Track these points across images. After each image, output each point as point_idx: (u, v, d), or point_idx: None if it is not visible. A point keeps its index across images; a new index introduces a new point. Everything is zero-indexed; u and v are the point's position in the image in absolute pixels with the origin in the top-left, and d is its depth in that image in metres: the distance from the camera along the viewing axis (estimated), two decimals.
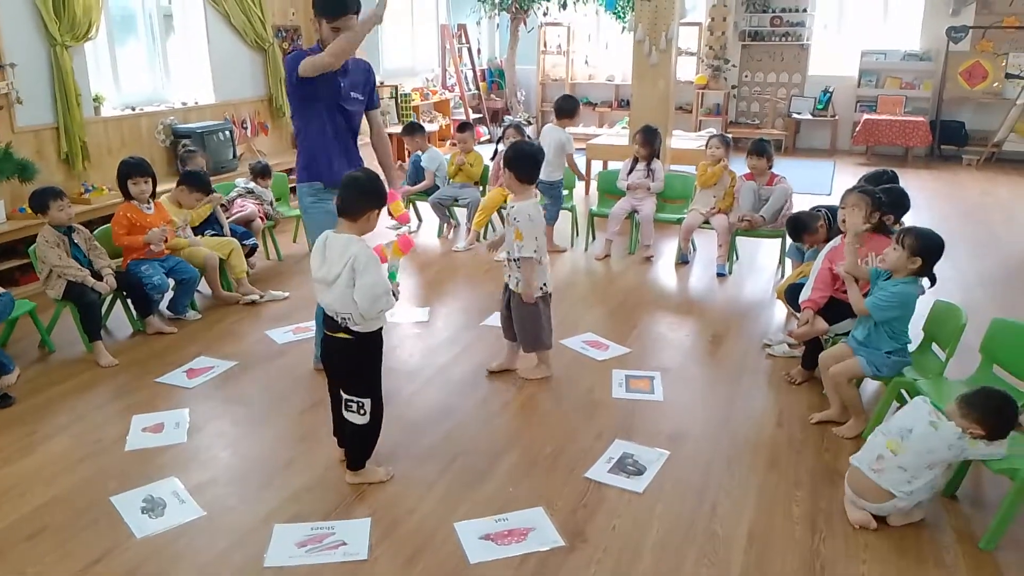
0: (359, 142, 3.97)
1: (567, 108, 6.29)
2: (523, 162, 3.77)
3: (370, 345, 2.97)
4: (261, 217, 6.00)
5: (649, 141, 6.20)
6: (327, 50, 3.53)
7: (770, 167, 5.70)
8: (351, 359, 2.99)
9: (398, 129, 10.10)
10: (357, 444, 3.13)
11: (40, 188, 4.44)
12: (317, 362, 4.12)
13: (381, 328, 2.99)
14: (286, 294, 5.35)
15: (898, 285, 3.36)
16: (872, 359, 3.45)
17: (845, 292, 3.64)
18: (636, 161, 6.29)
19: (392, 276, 3.02)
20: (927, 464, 2.74)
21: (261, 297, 5.24)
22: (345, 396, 3.01)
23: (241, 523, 2.89)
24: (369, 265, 2.79)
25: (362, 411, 3.00)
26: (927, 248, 3.31)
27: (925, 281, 3.47)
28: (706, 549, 2.76)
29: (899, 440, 2.79)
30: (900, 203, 4.09)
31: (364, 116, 3.96)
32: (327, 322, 2.97)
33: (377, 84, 3.97)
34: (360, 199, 2.88)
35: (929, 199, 8.51)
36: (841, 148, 11.47)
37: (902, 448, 2.77)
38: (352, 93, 3.78)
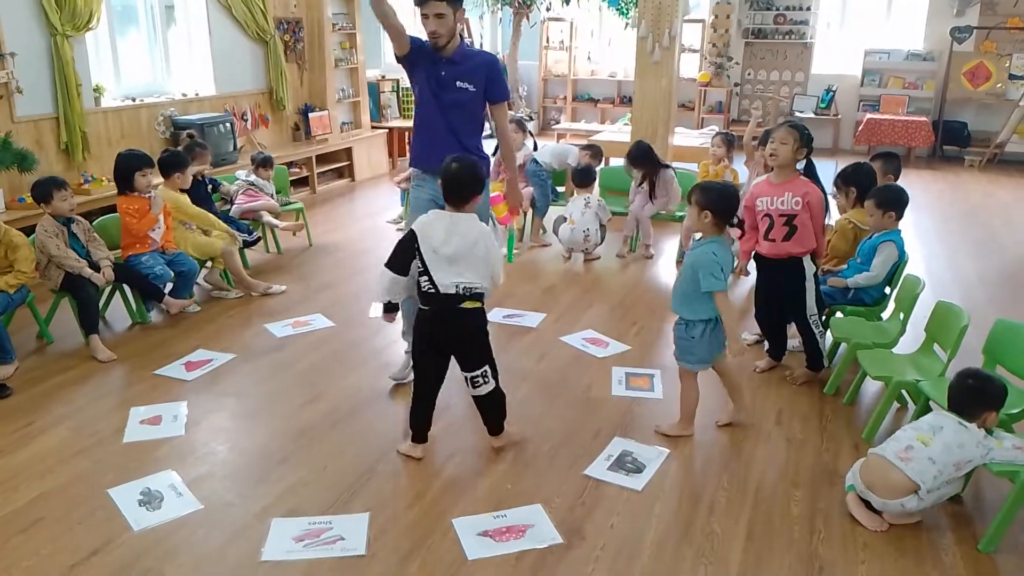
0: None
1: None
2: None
3: (484, 313, 3.18)
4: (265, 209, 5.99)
5: (638, 162, 6.13)
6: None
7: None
8: (476, 329, 3.15)
9: (400, 124, 10.12)
10: (494, 410, 3.28)
11: (43, 178, 4.42)
12: (404, 369, 3.93)
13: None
14: (283, 287, 5.34)
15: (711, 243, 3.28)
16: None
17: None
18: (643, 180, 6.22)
19: (509, 242, 3.54)
20: (955, 461, 2.72)
21: (268, 289, 5.26)
22: (469, 375, 3.16)
23: (239, 517, 2.88)
24: (494, 243, 3.10)
25: (486, 378, 3.16)
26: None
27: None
28: (704, 548, 2.75)
29: (930, 435, 2.78)
30: (898, 199, 4.06)
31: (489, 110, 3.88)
32: (448, 300, 3.03)
33: (506, 80, 3.91)
34: (460, 189, 3.06)
35: (931, 200, 8.50)
36: (843, 147, 11.45)
37: (933, 442, 2.75)
38: (458, 82, 3.68)
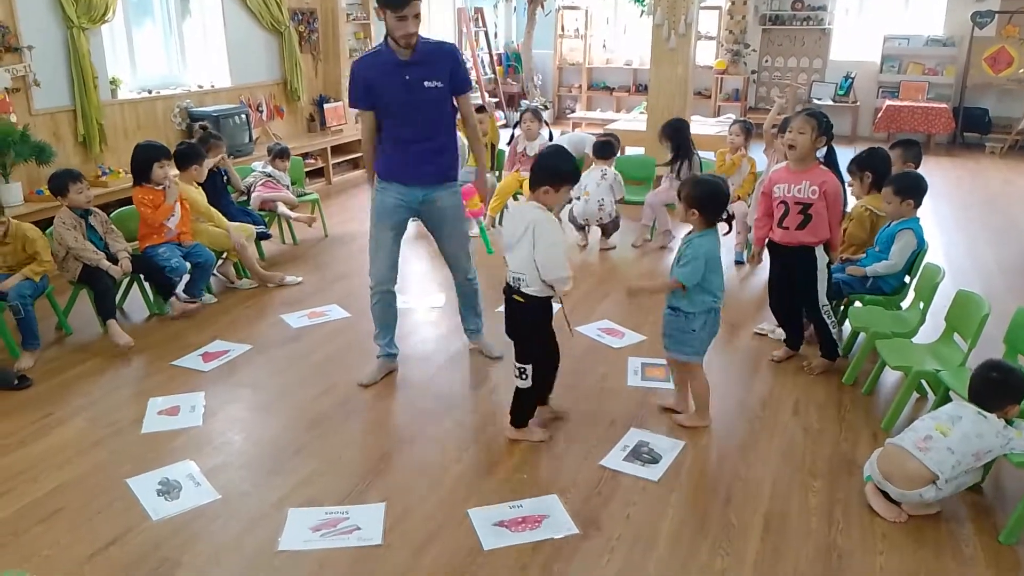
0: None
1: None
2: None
3: (537, 309, 3.16)
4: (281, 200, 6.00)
5: (667, 134, 6.08)
6: (364, 140, 3.73)
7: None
8: (521, 322, 3.20)
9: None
10: (517, 404, 3.31)
11: (59, 170, 4.44)
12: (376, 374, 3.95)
13: (550, 298, 3.17)
14: (299, 279, 5.35)
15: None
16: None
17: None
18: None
19: (483, 234, 3.51)
20: (974, 451, 2.70)
21: (282, 281, 5.27)
22: (515, 364, 3.22)
23: (256, 507, 2.90)
24: (547, 231, 3.02)
25: (524, 376, 3.20)
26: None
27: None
28: (721, 539, 2.73)
29: (949, 425, 2.75)
30: (916, 186, 4.01)
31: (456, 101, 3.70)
32: (506, 287, 3.18)
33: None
34: (538, 174, 3.08)
35: (951, 187, 8.40)
36: (862, 135, 11.33)
37: (952, 431, 2.73)
38: (426, 83, 3.49)
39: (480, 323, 4.15)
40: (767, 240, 4.01)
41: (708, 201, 3.20)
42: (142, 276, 4.70)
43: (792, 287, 3.95)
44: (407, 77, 3.47)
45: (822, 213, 3.71)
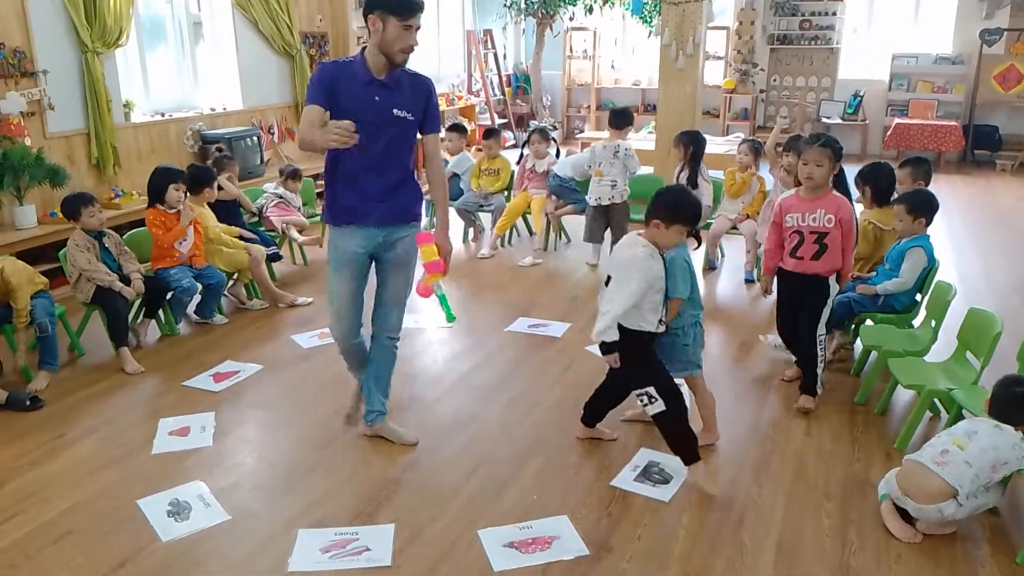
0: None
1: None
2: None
3: (634, 339, 3.05)
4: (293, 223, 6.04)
5: (682, 140, 5.92)
6: (301, 131, 3.05)
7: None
8: (623, 353, 3.08)
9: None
10: (670, 433, 3.13)
11: (72, 194, 4.49)
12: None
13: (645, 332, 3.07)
14: (309, 299, 5.34)
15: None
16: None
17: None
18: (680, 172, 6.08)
19: (443, 301, 3.16)
20: (991, 463, 2.68)
21: (295, 302, 5.28)
22: (635, 394, 3.14)
23: (265, 528, 2.89)
24: (631, 275, 2.96)
25: (652, 400, 3.05)
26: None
27: None
28: (733, 561, 2.71)
29: (965, 439, 2.74)
30: (928, 204, 4.01)
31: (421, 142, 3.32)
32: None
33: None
34: (655, 206, 3.03)
35: (962, 205, 8.37)
36: (872, 153, 11.31)
37: (969, 445, 2.71)
38: (395, 110, 3.10)
39: (385, 402, 3.52)
40: (776, 269, 3.89)
41: (680, 214, 3.11)
42: (151, 298, 4.71)
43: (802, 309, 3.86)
44: (376, 98, 3.06)
45: (838, 241, 3.62)
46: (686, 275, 3.20)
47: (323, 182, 3.30)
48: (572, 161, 6.65)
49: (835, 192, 3.72)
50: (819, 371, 3.76)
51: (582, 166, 6.36)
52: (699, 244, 3.47)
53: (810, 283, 3.70)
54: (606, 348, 3.05)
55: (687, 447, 3.12)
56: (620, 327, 3.01)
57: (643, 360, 3.11)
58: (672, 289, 3.16)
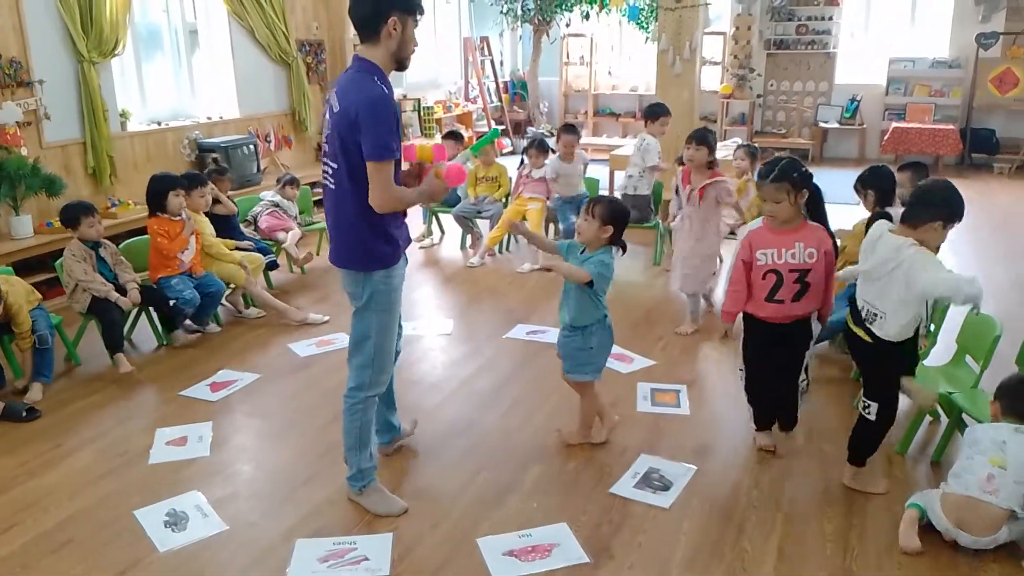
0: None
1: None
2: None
3: (891, 353, 2.95)
4: (284, 229, 6.01)
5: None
6: (399, 192, 2.73)
7: (712, 164, 4.82)
8: (867, 360, 3.06)
9: (421, 142, 10.15)
10: (858, 436, 3.14)
11: (72, 203, 4.48)
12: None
13: (909, 339, 2.95)
14: (326, 318, 5.12)
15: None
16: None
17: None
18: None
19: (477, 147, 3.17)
20: None
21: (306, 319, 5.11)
22: (862, 396, 3.09)
23: (263, 538, 2.88)
24: (924, 265, 2.79)
25: (869, 411, 3.04)
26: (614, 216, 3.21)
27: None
28: (735, 566, 2.69)
29: (1001, 455, 2.66)
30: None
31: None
32: (853, 314, 3.05)
33: (369, 124, 2.61)
34: (925, 206, 2.86)
35: None
36: (869, 157, 11.30)
37: (1008, 461, 2.64)
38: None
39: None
40: (740, 314, 3.36)
41: (622, 223, 3.24)
42: (151, 308, 4.70)
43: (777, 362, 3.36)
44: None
45: (821, 275, 3.15)
46: (608, 268, 3.23)
47: (346, 228, 2.80)
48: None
49: (811, 222, 3.22)
50: (800, 402, 3.42)
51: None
52: (623, 253, 3.37)
53: (790, 329, 3.24)
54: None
55: (859, 450, 3.14)
56: (880, 336, 2.92)
57: (885, 376, 3.02)
58: (584, 265, 3.21)
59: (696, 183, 4.70)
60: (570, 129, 6.48)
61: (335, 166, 2.72)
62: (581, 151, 6.62)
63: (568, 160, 6.40)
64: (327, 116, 2.75)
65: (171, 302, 4.59)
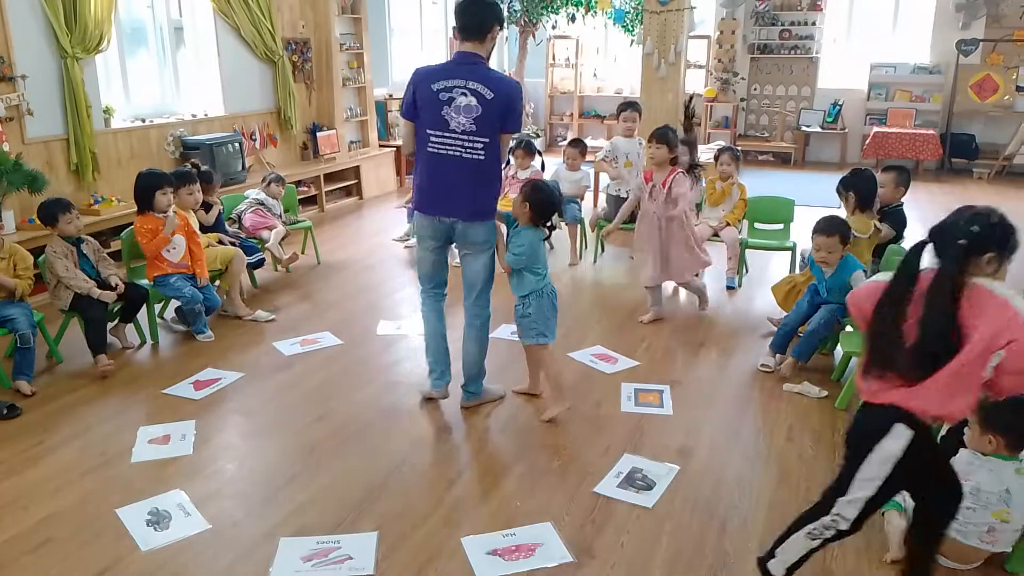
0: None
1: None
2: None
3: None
4: (268, 227, 5.98)
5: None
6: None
7: (674, 160, 4.94)
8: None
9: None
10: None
11: (49, 200, 4.45)
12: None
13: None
14: (272, 316, 5.14)
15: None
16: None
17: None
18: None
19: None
20: None
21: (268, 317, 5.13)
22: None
23: (246, 536, 2.87)
24: None
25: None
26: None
27: None
28: (716, 566, 2.72)
29: (1005, 508, 2.58)
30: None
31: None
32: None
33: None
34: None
35: (940, 212, 8.36)
36: (851, 161, 11.41)
37: (1012, 515, 2.58)
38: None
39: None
40: None
41: (545, 206, 3.62)
42: (133, 303, 4.66)
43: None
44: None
45: None
46: (524, 248, 3.63)
47: (486, 188, 3.62)
48: (570, 182, 6.68)
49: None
50: None
51: (577, 183, 6.73)
52: (549, 235, 3.73)
53: None
54: None
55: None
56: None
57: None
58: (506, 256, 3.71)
59: (658, 180, 4.94)
60: (575, 143, 6.88)
61: (486, 140, 3.47)
62: (586, 168, 6.85)
63: (573, 169, 6.75)
64: (460, 100, 3.42)
65: (171, 301, 4.57)
